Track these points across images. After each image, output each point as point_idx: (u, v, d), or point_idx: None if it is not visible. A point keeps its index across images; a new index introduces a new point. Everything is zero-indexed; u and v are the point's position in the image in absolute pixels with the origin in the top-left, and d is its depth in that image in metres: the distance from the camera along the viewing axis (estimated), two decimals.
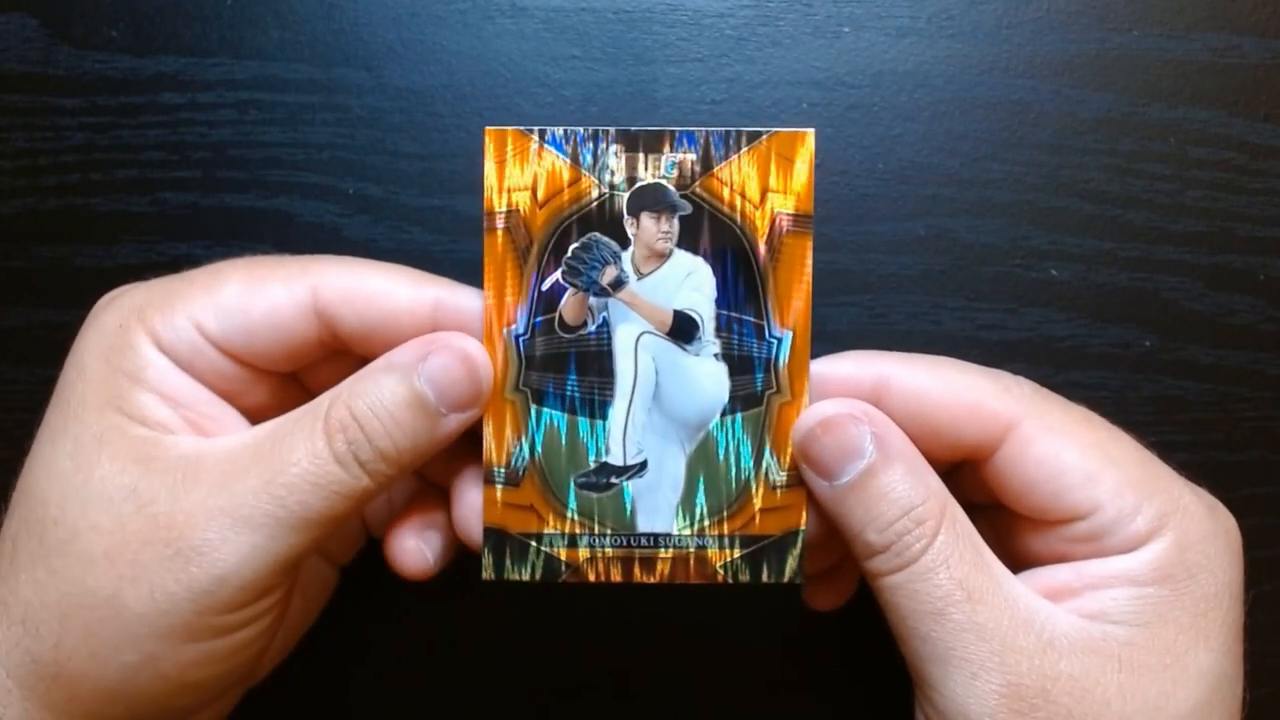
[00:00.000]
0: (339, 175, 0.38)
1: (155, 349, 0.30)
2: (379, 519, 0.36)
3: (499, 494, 0.32)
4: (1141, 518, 0.30)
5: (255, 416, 0.32)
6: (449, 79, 0.38)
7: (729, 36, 0.39)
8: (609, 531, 0.32)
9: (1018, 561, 0.32)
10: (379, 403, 0.29)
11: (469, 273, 0.36)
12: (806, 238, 0.31)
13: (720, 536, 0.32)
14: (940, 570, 0.29)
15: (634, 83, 0.38)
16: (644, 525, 0.32)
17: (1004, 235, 0.39)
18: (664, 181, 0.31)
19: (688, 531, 0.32)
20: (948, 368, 0.32)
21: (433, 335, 0.31)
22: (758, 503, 0.32)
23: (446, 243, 0.39)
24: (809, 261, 0.31)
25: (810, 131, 0.31)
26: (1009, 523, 0.33)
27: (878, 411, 0.31)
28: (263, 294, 0.31)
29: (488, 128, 0.31)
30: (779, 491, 0.32)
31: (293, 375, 0.33)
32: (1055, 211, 0.39)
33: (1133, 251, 0.39)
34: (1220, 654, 0.30)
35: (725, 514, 0.32)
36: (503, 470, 0.32)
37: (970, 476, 0.32)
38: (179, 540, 0.28)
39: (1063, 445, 0.31)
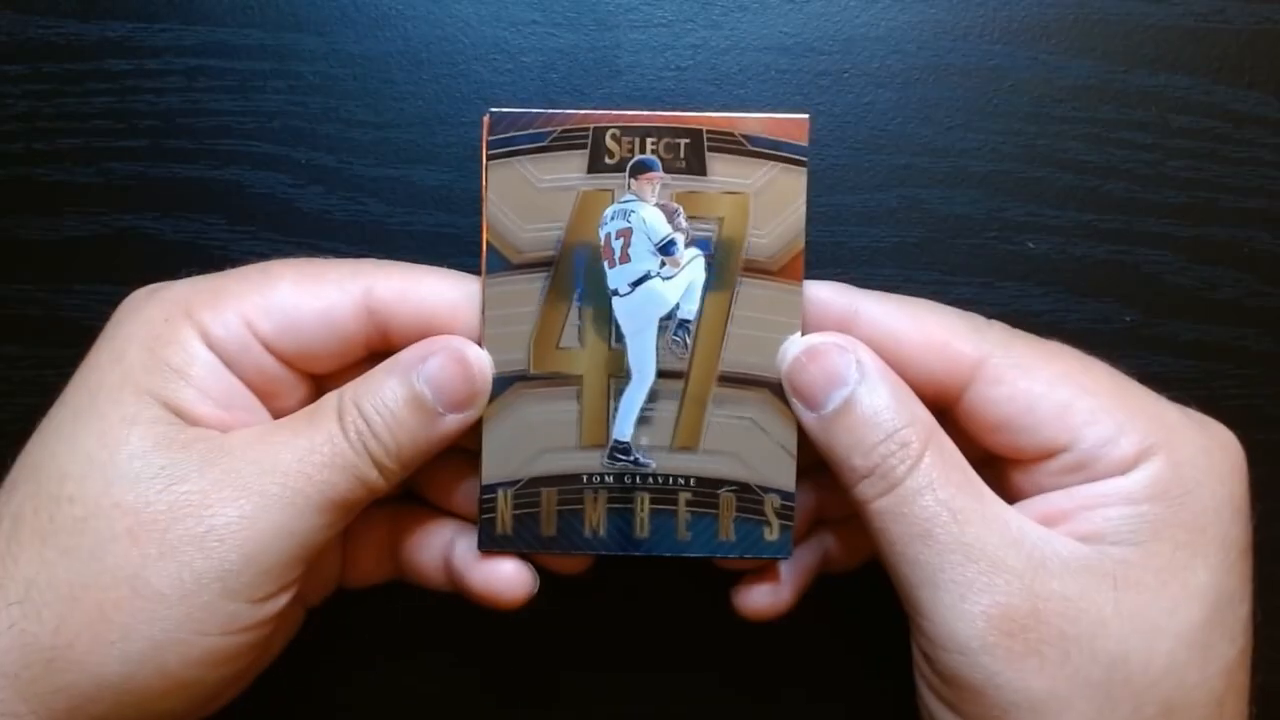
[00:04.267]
0: (291, 144, 0.38)
1: (203, 345, 0.30)
2: (371, 567, 0.36)
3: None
4: (1126, 441, 0.30)
5: None
6: (404, 45, 0.37)
7: (694, 0, 0.37)
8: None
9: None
10: (381, 401, 0.30)
11: (424, 246, 0.36)
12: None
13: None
14: (926, 492, 0.29)
15: (596, 49, 0.38)
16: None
17: (979, 206, 0.38)
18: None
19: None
20: (919, 306, 0.32)
21: (434, 338, 0.31)
22: None
23: (402, 214, 0.38)
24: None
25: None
26: (996, 472, 0.32)
27: (862, 344, 0.31)
28: (316, 294, 0.31)
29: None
30: None
31: (322, 387, 0.34)
32: (1032, 182, 0.38)
33: (1113, 223, 0.38)
34: (1221, 571, 0.29)
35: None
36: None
37: (949, 428, 0.32)
38: (210, 517, 0.28)
39: (1032, 379, 0.31)
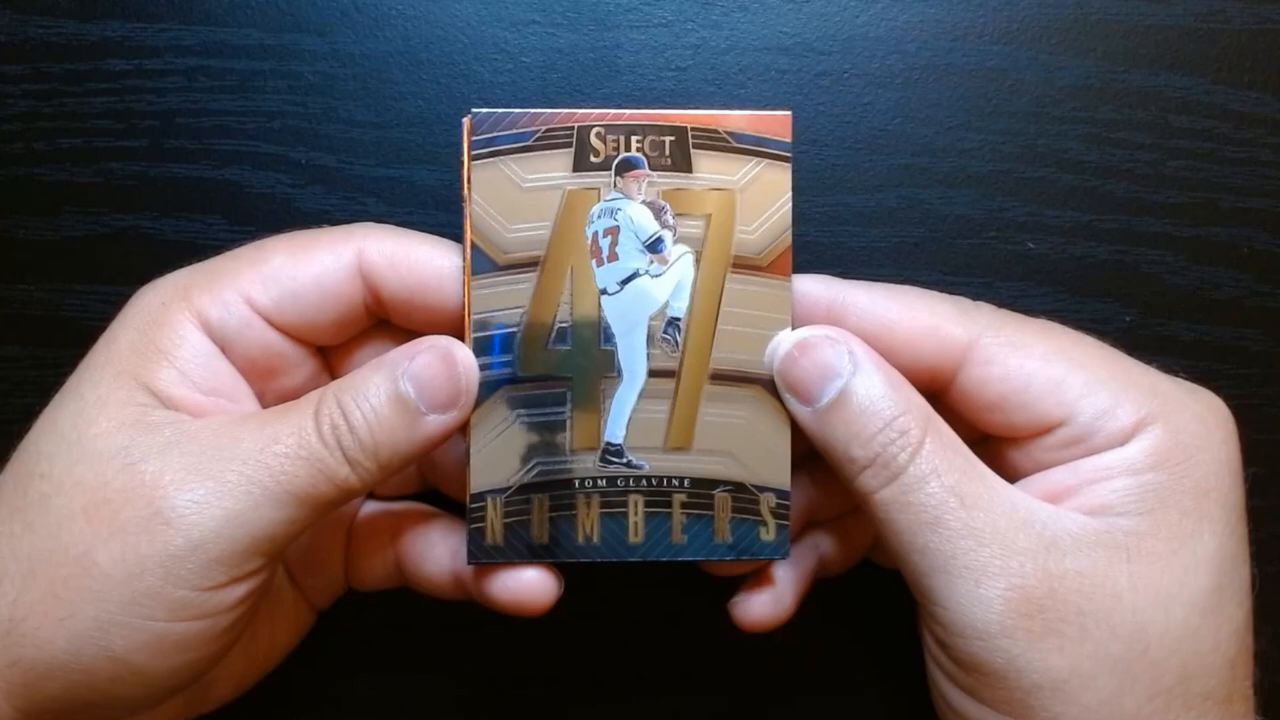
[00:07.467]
0: (291, 144, 0.38)
1: (197, 329, 0.31)
2: (382, 571, 0.35)
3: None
4: (1123, 412, 0.30)
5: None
6: (404, 45, 0.37)
7: (695, 0, 0.37)
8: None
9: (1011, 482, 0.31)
10: (364, 397, 0.30)
11: None
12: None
13: None
14: (931, 479, 0.29)
15: (596, 49, 0.37)
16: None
17: (979, 206, 0.38)
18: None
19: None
20: (906, 293, 0.32)
21: (424, 338, 0.31)
22: None
23: (403, 214, 0.38)
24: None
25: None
26: (993, 451, 0.32)
27: (852, 335, 0.31)
28: (309, 261, 0.31)
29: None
30: None
31: (328, 367, 0.34)
32: (1032, 182, 0.38)
33: (1113, 224, 0.38)
34: (1225, 535, 0.29)
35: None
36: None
37: (943, 412, 0.32)
38: (160, 500, 0.28)
39: (1023, 356, 0.31)
